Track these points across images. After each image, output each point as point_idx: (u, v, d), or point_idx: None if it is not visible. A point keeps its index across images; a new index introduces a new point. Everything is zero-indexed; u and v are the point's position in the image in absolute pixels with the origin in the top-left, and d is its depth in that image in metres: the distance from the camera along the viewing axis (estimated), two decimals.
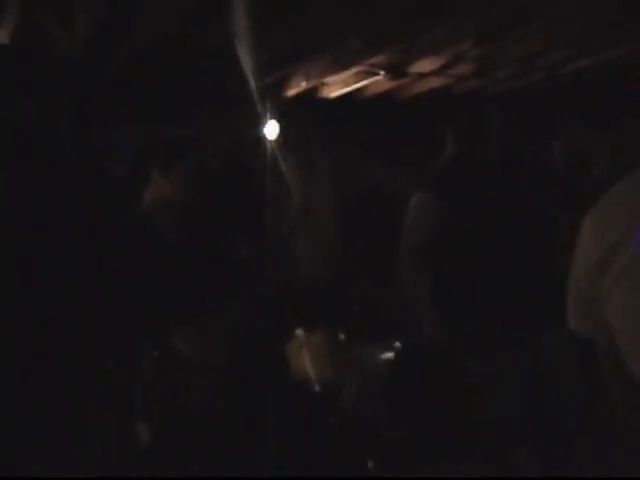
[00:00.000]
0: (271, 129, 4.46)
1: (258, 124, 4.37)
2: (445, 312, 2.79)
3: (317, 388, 3.39)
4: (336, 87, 4.68)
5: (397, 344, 3.50)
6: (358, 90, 4.84)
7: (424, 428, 3.36)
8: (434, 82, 4.84)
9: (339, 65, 4.07)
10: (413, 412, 3.35)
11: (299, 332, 3.51)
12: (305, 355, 3.43)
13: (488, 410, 2.78)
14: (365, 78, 4.41)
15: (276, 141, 4.54)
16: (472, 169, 2.80)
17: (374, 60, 4.04)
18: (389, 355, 3.50)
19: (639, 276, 0.91)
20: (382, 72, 4.24)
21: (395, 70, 4.27)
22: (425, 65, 4.32)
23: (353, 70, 4.22)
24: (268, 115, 4.33)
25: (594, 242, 0.99)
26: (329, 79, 4.45)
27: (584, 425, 2.56)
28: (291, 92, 4.57)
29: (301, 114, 4.64)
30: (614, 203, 1.01)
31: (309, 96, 4.77)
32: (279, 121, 4.44)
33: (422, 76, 4.58)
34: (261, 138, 4.48)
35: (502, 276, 2.62)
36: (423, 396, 3.23)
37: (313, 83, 4.46)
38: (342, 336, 3.54)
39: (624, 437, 1.08)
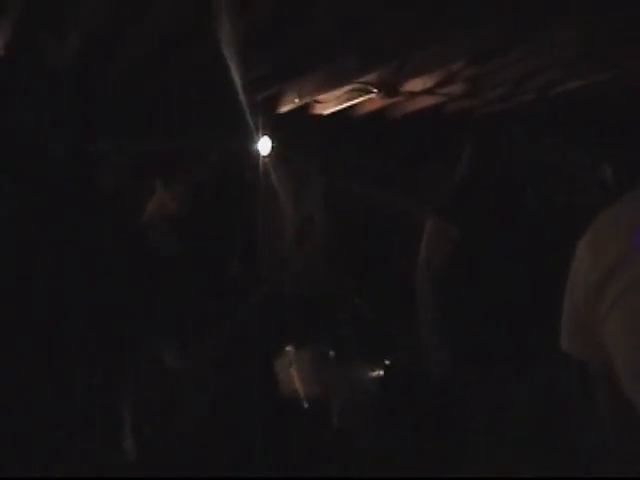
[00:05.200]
0: (264, 145, 4.47)
1: (251, 140, 4.39)
2: (455, 335, 2.80)
3: (306, 404, 3.37)
4: (329, 104, 4.70)
5: (386, 362, 3.50)
6: (351, 108, 4.86)
7: (412, 444, 3.35)
8: (426, 101, 4.87)
9: (332, 83, 4.10)
10: (401, 429, 3.34)
11: (289, 349, 3.50)
12: (294, 372, 3.42)
13: (482, 428, 2.79)
14: (358, 96, 4.44)
15: (269, 157, 4.56)
16: (486, 188, 2.82)
17: (367, 78, 4.07)
18: (377, 372, 3.49)
19: (638, 298, 0.91)
20: (375, 90, 4.27)
21: (388, 88, 4.30)
22: (417, 84, 4.36)
23: (346, 88, 4.25)
24: (261, 131, 4.35)
25: (591, 264, 0.99)
26: (322, 96, 4.47)
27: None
28: (284, 109, 4.59)
29: (294, 131, 4.65)
30: (610, 224, 1.00)
31: (302, 113, 4.79)
32: (272, 137, 4.45)
33: (414, 95, 4.61)
34: (254, 154, 4.49)
35: (514, 297, 2.64)
36: (411, 412, 3.23)
37: (306, 100, 4.48)
38: (331, 353, 3.53)
39: (615, 456, 1.08)
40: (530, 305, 2.58)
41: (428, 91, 4.50)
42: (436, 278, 2.79)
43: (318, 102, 4.70)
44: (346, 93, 4.41)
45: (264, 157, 4.56)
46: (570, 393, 2.51)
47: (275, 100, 4.53)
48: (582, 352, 1.07)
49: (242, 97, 3.63)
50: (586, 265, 1.01)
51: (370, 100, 4.65)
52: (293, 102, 4.44)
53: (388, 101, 4.71)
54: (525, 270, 2.62)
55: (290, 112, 4.65)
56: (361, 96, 4.44)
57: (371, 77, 4.07)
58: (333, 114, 4.88)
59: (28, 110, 3.66)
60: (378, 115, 5.14)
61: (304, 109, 4.78)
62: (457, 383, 2.90)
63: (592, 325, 0.99)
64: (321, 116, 4.91)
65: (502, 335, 2.65)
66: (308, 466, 3.33)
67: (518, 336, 2.62)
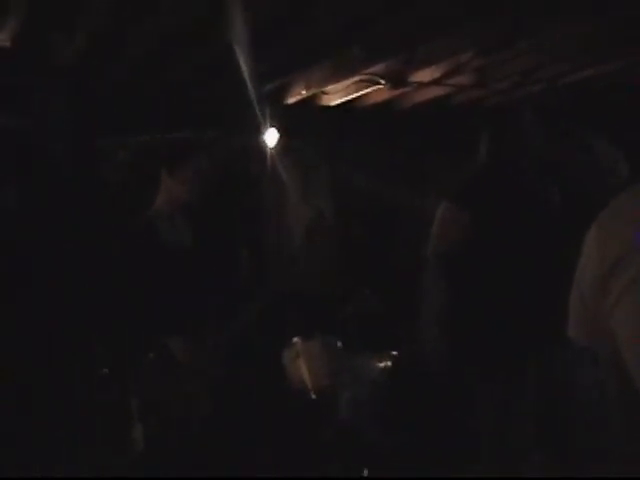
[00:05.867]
0: (271, 136, 4.47)
1: (258, 132, 4.38)
2: (459, 321, 2.80)
3: (313, 396, 3.38)
4: (336, 95, 4.69)
5: (393, 353, 3.50)
6: (358, 99, 4.85)
7: (419, 437, 3.36)
8: (434, 92, 4.85)
9: (340, 74, 4.09)
10: (408, 421, 3.35)
11: (296, 340, 3.51)
12: (302, 363, 3.43)
13: (488, 421, 2.79)
14: (365, 87, 4.42)
15: (275, 148, 4.55)
16: (498, 178, 2.81)
17: (375, 69, 4.05)
18: (385, 364, 3.50)
19: None
20: (382, 81, 4.25)
21: (395, 79, 4.28)
22: (425, 75, 4.34)
23: (354, 79, 4.24)
24: (268, 123, 4.34)
25: (599, 255, 0.99)
26: (330, 87, 4.46)
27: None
28: (291, 100, 4.59)
29: (301, 122, 4.65)
30: (618, 214, 1.01)
31: (309, 104, 4.78)
32: (279, 129, 4.45)
33: (422, 86, 4.59)
34: (261, 146, 4.49)
35: (521, 286, 2.63)
36: (418, 405, 3.24)
37: (313, 91, 4.47)
38: (339, 345, 3.53)
39: (622, 448, 1.08)
40: (539, 301, 2.57)
41: (436, 82, 4.48)
42: (444, 269, 2.79)
43: (325, 93, 4.69)
44: (353, 84, 4.39)
45: (271, 149, 4.55)
46: (574, 392, 2.51)
47: (282, 91, 4.52)
48: (589, 341, 1.08)
49: (249, 89, 3.62)
50: (593, 258, 1.01)
51: (377, 91, 4.63)
52: (300, 93, 4.44)
53: (395, 92, 4.69)
54: (536, 263, 2.61)
55: (297, 103, 4.64)
56: (368, 87, 4.42)
57: (378, 68, 4.05)
58: (340, 105, 4.86)
59: (32, 107, 3.67)
60: (385, 106, 5.11)
61: (311, 100, 4.77)
62: (460, 379, 2.90)
63: (599, 317, 1.00)
64: (328, 107, 4.90)
65: (509, 330, 2.64)
66: (315, 458, 3.34)
67: (525, 332, 2.62)
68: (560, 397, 2.62)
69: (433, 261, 2.82)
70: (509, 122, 2.96)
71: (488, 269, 2.70)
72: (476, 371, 2.79)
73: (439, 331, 2.82)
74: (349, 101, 4.79)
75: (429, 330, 2.86)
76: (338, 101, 4.78)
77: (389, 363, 3.52)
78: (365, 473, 3.24)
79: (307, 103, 4.73)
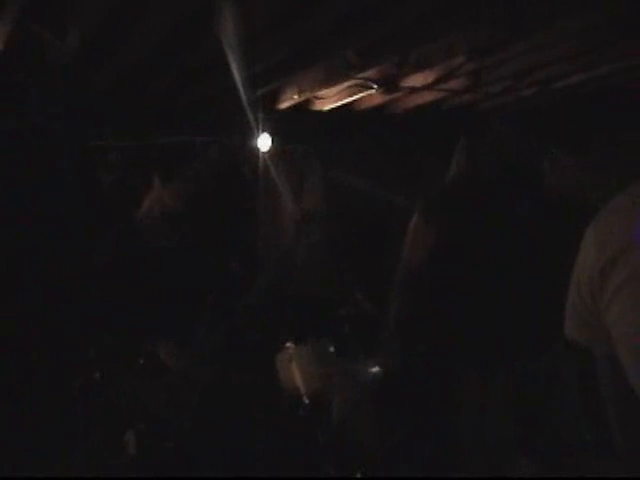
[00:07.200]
0: (264, 142, 4.47)
1: (251, 137, 4.39)
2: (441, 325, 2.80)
3: (306, 401, 3.38)
4: (329, 100, 4.69)
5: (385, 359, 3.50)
6: (351, 103, 4.85)
7: (412, 441, 3.35)
8: (427, 96, 4.86)
9: (332, 78, 4.09)
10: (401, 425, 3.34)
11: (289, 345, 3.50)
12: (295, 368, 3.43)
13: (478, 425, 2.78)
14: (358, 92, 4.43)
15: (269, 154, 4.56)
16: (472, 189, 2.81)
17: (367, 74, 4.06)
18: (378, 369, 3.49)
19: (639, 288, 0.92)
20: (375, 86, 4.26)
21: (388, 84, 4.29)
22: (418, 79, 4.34)
23: (346, 84, 4.24)
24: (261, 128, 4.34)
25: (596, 253, 1.01)
26: (322, 92, 4.46)
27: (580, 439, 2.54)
28: (284, 105, 4.59)
29: (294, 127, 4.65)
30: (615, 214, 1.02)
31: (302, 109, 4.78)
32: (272, 134, 4.45)
33: (415, 90, 4.60)
34: (254, 150, 4.49)
35: (497, 294, 2.63)
36: (411, 409, 3.23)
37: (306, 96, 4.47)
38: (331, 349, 3.53)
39: (620, 450, 1.08)
40: (523, 303, 2.58)
41: (429, 86, 4.48)
42: (412, 279, 2.78)
43: (318, 98, 4.69)
44: (346, 89, 4.40)
45: (264, 153, 4.56)
46: (562, 392, 2.52)
47: (275, 96, 4.52)
48: (587, 340, 1.09)
49: (242, 94, 3.63)
50: (591, 255, 1.03)
51: (370, 96, 4.64)
52: (293, 98, 4.44)
53: (388, 97, 4.70)
54: (512, 270, 2.61)
55: (290, 108, 4.64)
56: (361, 92, 4.43)
57: (371, 73, 4.06)
58: (333, 110, 4.87)
59: (27, 106, 3.67)
60: (378, 111, 5.12)
61: (304, 105, 4.78)
62: (446, 380, 2.90)
63: (597, 313, 1.01)
64: (321, 112, 4.90)
65: (494, 332, 2.64)
66: (308, 462, 3.33)
67: (512, 333, 2.62)
68: (548, 395, 2.63)
69: (400, 276, 2.83)
70: (493, 129, 2.97)
71: (464, 281, 2.69)
72: (461, 373, 2.79)
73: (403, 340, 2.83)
74: (342, 106, 4.80)
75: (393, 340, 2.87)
76: (331, 106, 4.79)
77: (380, 368, 3.51)
78: (358, 476, 3.23)
79: (300, 108, 4.73)
